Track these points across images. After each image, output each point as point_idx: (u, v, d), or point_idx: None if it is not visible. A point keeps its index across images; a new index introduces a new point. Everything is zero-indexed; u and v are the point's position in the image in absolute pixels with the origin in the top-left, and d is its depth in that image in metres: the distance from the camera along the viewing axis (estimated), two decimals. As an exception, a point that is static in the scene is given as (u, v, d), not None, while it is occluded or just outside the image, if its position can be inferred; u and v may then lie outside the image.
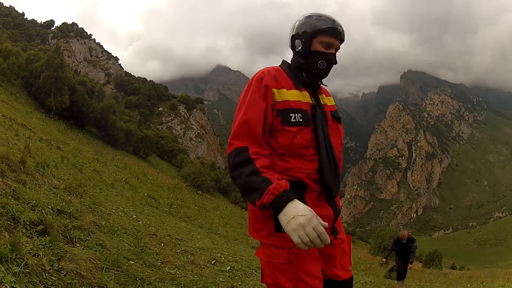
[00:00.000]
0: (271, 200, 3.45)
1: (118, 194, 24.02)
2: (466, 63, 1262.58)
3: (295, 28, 4.39)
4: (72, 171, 21.72)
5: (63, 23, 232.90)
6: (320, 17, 4.31)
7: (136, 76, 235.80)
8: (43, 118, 56.30)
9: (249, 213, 4.16)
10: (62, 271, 5.96)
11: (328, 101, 4.59)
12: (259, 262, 14.59)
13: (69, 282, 5.80)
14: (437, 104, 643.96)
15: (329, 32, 4.27)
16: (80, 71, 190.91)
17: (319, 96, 4.43)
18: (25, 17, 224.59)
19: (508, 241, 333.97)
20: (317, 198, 4.05)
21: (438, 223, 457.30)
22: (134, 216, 16.22)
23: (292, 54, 4.47)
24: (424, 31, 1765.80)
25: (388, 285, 18.18)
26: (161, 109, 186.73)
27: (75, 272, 6.09)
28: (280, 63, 4.57)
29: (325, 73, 4.36)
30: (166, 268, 9.42)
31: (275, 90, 4.03)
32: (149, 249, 10.83)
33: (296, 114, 3.99)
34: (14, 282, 4.89)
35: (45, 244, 6.47)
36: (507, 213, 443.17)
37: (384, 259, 29.28)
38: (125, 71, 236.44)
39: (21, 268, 5.18)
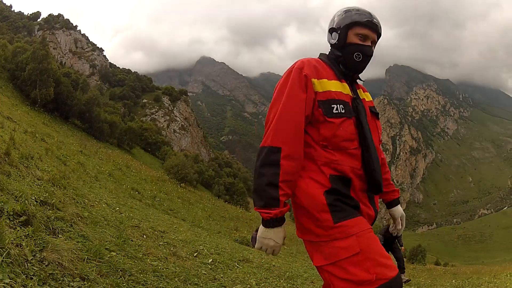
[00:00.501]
0: (267, 218, 3.70)
1: (101, 186, 24.01)
2: (453, 58, 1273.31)
3: (334, 21, 4.36)
4: (56, 163, 21.71)
5: (49, 15, 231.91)
6: (358, 11, 4.34)
7: (120, 68, 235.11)
8: (28, 111, 56.12)
9: (296, 213, 4.05)
10: (44, 261, 6.00)
11: (366, 97, 4.56)
12: (241, 255, 14.61)
13: (50, 272, 5.85)
14: (422, 99, 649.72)
15: (365, 24, 4.26)
16: (65, 63, 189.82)
17: (357, 90, 4.37)
18: (12, 9, 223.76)
19: (493, 238, 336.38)
20: (362, 196, 4.03)
21: (421, 218, 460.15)
22: (117, 208, 16.23)
23: (330, 47, 4.45)
24: (411, 25, 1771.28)
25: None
26: (145, 100, 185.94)
27: (57, 263, 6.13)
28: (318, 56, 4.49)
29: (362, 66, 4.28)
30: (148, 260, 9.44)
31: (315, 80, 3.97)
32: (132, 240, 10.85)
33: (338, 105, 3.95)
34: (-4, 271, 4.95)
35: (27, 234, 6.51)
36: (492, 210, 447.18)
37: None
38: (110, 62, 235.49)
39: (3, 258, 5.21)
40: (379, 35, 4.46)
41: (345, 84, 4.14)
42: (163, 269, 9.14)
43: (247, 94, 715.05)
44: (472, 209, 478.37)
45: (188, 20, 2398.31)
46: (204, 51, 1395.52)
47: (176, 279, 8.73)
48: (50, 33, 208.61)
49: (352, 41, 4.18)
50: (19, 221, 6.94)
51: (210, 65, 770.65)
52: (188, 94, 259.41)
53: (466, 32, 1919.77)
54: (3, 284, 4.80)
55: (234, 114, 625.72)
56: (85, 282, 6.28)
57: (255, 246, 3.88)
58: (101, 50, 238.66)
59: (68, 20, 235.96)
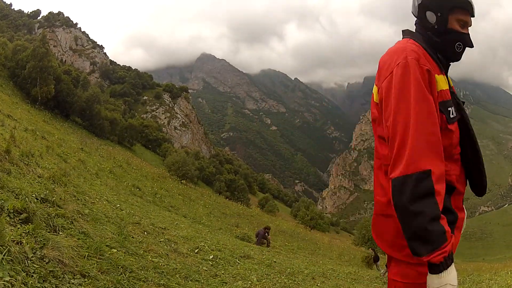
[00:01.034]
0: (441, 260, 3.00)
1: (102, 184, 24.06)
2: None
3: None
4: (57, 160, 21.74)
5: (49, 13, 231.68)
6: None
7: (121, 65, 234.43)
8: (28, 109, 56.17)
9: (387, 227, 3.48)
10: (44, 259, 5.99)
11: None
12: (242, 251, 14.57)
13: (51, 269, 5.84)
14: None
15: (467, 8, 3.72)
16: (65, 61, 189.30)
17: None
18: (12, 7, 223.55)
19: (494, 235, 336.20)
20: (459, 201, 3.59)
21: None
22: (118, 205, 16.25)
23: (416, 25, 3.98)
24: (412, 22, 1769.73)
25: (372, 275, 18.22)
26: (146, 98, 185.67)
27: (57, 260, 6.13)
28: (407, 35, 4.01)
29: (460, 57, 3.85)
30: (149, 257, 9.45)
31: (438, 76, 3.44)
32: (132, 237, 10.86)
33: (452, 108, 3.48)
34: (-4, 269, 4.95)
35: (28, 232, 6.51)
36: (492, 207, 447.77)
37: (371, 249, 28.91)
38: (110, 59, 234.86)
39: (3, 256, 5.21)
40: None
41: (444, 78, 3.63)
42: (164, 265, 9.16)
43: (247, 91, 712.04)
44: (472, 206, 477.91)
45: (188, 17, 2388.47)
46: (204, 48, 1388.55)
47: (177, 276, 8.74)
48: (50, 31, 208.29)
49: (454, 28, 3.73)
50: (19, 219, 6.93)
51: (210, 62, 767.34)
52: (189, 91, 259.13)
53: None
54: (4, 282, 4.80)
55: (234, 111, 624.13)
56: (86, 279, 6.28)
57: None
58: (102, 47, 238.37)
59: (68, 17, 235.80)
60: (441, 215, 3.01)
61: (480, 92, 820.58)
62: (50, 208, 8.73)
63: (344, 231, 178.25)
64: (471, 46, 3.82)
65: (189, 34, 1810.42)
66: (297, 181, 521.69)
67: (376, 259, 34.44)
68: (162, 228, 14.71)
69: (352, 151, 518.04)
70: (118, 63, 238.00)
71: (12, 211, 7.02)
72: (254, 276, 11.06)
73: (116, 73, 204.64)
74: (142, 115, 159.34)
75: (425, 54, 3.53)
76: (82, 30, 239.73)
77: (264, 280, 10.88)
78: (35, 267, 5.64)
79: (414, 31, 3.96)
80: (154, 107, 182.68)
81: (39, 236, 6.57)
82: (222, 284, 9.37)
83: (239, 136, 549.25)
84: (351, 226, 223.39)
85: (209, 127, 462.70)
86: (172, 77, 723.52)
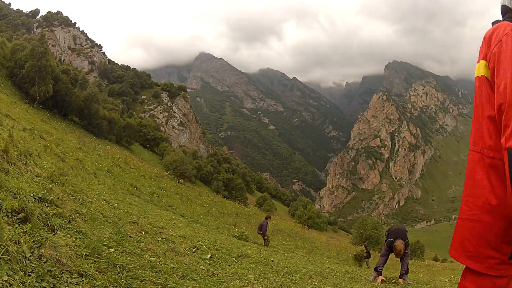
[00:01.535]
0: None
1: (100, 183, 24.07)
2: (453, 55, 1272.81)
3: None
4: (55, 160, 21.76)
5: (48, 12, 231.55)
6: None
7: (119, 64, 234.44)
8: (27, 108, 56.19)
9: (472, 234, 3.26)
10: (42, 258, 6.02)
11: None
12: (240, 250, 14.58)
13: (49, 269, 5.87)
14: (421, 95, 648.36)
15: None
16: (64, 60, 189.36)
17: None
18: (11, 7, 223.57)
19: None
20: None
21: (420, 214, 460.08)
22: (116, 205, 16.29)
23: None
24: (411, 21, 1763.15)
25: (370, 274, 18.19)
26: (144, 97, 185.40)
27: (55, 259, 6.15)
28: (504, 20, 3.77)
29: None
30: (147, 256, 9.47)
31: None
32: (130, 237, 10.93)
33: None
34: (-6, 269, 4.98)
35: (26, 231, 6.53)
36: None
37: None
38: (108, 59, 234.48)
39: (1, 255, 5.23)
40: None
41: None
42: (161, 264, 9.18)
43: (246, 90, 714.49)
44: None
45: (188, 16, 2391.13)
46: (203, 47, 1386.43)
47: (174, 275, 8.75)
48: (49, 30, 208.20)
49: None
50: (17, 218, 6.96)
51: (209, 61, 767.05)
52: (187, 90, 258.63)
53: (466, 28, 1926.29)
54: (2, 282, 4.82)
55: (233, 110, 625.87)
56: (84, 279, 6.30)
57: None
58: (100, 46, 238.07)
59: (67, 17, 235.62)
60: None
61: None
62: (48, 208, 8.75)
63: (342, 230, 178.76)
64: None
65: (188, 33, 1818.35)
66: (295, 180, 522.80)
67: (367, 256, 34.45)
68: (160, 227, 14.74)
69: (350, 150, 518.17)
70: (116, 63, 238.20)
71: (10, 210, 7.05)
72: (252, 275, 11.07)
73: (115, 73, 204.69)
74: (140, 115, 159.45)
75: None
76: (80, 30, 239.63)
77: (261, 279, 10.90)
78: (33, 266, 5.67)
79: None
80: (152, 106, 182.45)
81: (37, 235, 6.60)
82: (220, 283, 9.38)
83: (237, 135, 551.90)
84: (349, 225, 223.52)
85: (207, 126, 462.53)
86: (171, 76, 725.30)
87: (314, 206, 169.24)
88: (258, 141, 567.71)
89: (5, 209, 7.05)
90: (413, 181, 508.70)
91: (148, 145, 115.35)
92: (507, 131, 2.88)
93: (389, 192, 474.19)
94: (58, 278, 5.86)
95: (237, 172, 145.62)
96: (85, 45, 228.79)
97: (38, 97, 66.81)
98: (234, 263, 12.72)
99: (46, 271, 5.81)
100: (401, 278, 16.71)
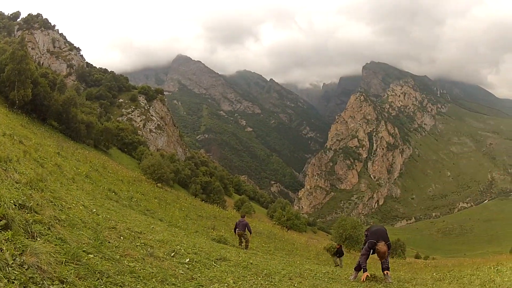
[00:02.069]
0: None
1: (78, 188, 24.05)
2: (431, 55, 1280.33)
3: None
4: (34, 165, 21.75)
5: (29, 14, 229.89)
6: None
7: (97, 67, 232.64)
8: (6, 113, 55.87)
9: None
10: (24, 265, 6.10)
11: None
12: (218, 254, 14.70)
13: (30, 276, 5.95)
14: (399, 95, 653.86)
15: None
16: (42, 63, 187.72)
17: None
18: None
19: (474, 231, 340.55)
20: None
21: (400, 213, 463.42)
22: (94, 210, 16.31)
23: None
24: (390, 22, 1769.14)
25: (350, 274, 18.26)
26: (122, 100, 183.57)
27: (36, 266, 6.23)
28: None
29: None
30: (125, 261, 9.58)
31: None
32: (109, 242, 10.98)
33: None
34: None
35: (7, 238, 6.61)
36: (472, 203, 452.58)
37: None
38: (86, 62, 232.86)
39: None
40: None
41: None
42: (140, 270, 9.27)
43: (223, 92, 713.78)
44: (451, 203, 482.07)
45: (165, 18, 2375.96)
46: (180, 50, 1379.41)
47: (153, 280, 8.84)
48: (29, 33, 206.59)
49: None
50: (-2, 225, 7.01)
51: (186, 64, 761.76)
52: (164, 93, 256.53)
53: (445, 28, 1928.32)
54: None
55: (210, 113, 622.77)
56: (64, 285, 6.38)
57: None
58: (78, 49, 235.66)
59: (46, 19, 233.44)
60: None
61: (458, 90, 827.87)
62: (28, 214, 8.82)
63: (322, 231, 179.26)
64: None
65: (166, 36, 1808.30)
66: (273, 182, 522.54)
67: (340, 253, 34.72)
68: (138, 232, 14.82)
69: (327, 151, 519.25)
70: (94, 66, 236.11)
71: (-9, 218, 7.11)
72: (231, 278, 11.12)
73: (92, 76, 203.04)
74: (117, 118, 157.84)
75: None
76: (60, 32, 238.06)
77: (240, 282, 10.97)
78: (15, 273, 5.75)
79: None
80: (130, 109, 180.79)
81: (18, 242, 6.67)
82: (199, 287, 9.45)
83: (214, 138, 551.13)
84: (328, 226, 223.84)
85: (184, 129, 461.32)
86: (148, 79, 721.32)
87: (292, 208, 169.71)
88: (235, 143, 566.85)
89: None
90: (392, 180, 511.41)
91: (126, 149, 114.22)
92: None
93: (368, 192, 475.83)
94: (40, 285, 5.95)
95: (215, 175, 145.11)
96: (63, 48, 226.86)
97: (17, 101, 66.40)
98: (213, 266, 12.80)
99: (28, 278, 5.89)
100: (384, 276, 16.88)
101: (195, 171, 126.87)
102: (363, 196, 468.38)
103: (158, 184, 63.47)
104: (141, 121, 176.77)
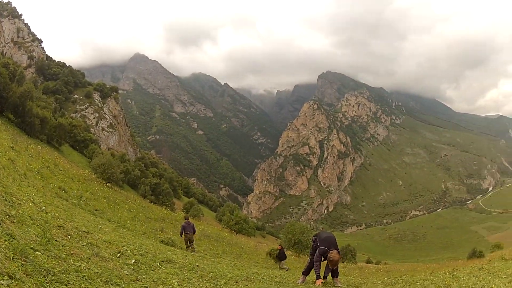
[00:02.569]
0: None
1: (29, 185, 24.00)
2: (390, 68, 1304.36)
3: None
4: (-13, 160, 21.70)
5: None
6: None
7: (56, 61, 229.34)
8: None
9: None
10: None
11: None
12: (165, 256, 14.87)
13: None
14: (353, 105, 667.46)
15: None
16: (5, 53, 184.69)
17: None
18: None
19: (427, 237, 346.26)
20: None
21: (350, 219, 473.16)
22: (44, 208, 16.33)
23: None
24: (349, 34, 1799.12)
25: (298, 278, 18.44)
26: (77, 96, 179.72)
27: (-14, 261, 6.37)
28: None
29: None
30: (71, 260, 9.66)
31: None
32: (56, 240, 11.04)
33: None
34: None
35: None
36: (425, 211, 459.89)
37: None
38: (46, 54, 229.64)
39: None
40: None
41: None
42: (85, 269, 9.35)
43: (176, 94, 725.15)
44: (402, 210, 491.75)
45: (127, 15, 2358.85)
46: (138, 48, 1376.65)
47: (98, 280, 8.94)
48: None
49: None
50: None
51: (143, 63, 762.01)
52: (119, 91, 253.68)
53: (407, 43, 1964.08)
54: None
55: (162, 114, 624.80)
56: (13, 281, 6.55)
57: None
58: (40, 41, 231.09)
59: (15, 7, 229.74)
60: None
61: (414, 103, 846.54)
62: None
63: (271, 235, 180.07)
64: None
65: (126, 33, 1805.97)
66: (222, 185, 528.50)
67: (282, 257, 34.82)
68: (86, 232, 14.81)
69: (278, 157, 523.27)
70: (54, 59, 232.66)
71: None
72: (175, 281, 11.24)
73: (51, 69, 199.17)
74: (71, 114, 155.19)
75: None
76: (25, 22, 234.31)
77: (185, 285, 11.08)
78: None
79: None
80: (84, 106, 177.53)
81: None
82: None
83: (165, 139, 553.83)
84: (277, 231, 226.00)
85: (136, 129, 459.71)
86: (104, 76, 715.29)
87: (241, 212, 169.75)
88: (186, 145, 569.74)
89: None
90: (342, 188, 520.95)
91: (78, 147, 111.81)
92: None
93: (317, 198, 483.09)
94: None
95: (164, 177, 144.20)
96: (27, 38, 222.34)
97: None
98: (159, 268, 12.85)
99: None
100: (333, 281, 17.17)
101: (145, 172, 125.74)
102: (313, 202, 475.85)
103: (107, 184, 63.02)
104: (94, 118, 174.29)
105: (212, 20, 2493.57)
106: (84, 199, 35.03)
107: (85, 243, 12.61)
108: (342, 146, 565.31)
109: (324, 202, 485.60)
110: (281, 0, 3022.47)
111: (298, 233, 68.46)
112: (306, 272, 18.41)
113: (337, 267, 17.66)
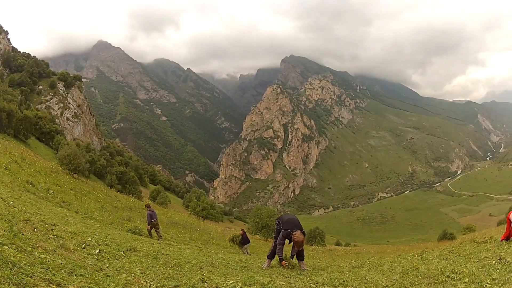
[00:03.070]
0: None
1: (-2, 180, 24.20)
2: (354, 52, 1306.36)
3: None
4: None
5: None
6: None
7: (21, 52, 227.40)
8: None
9: None
10: None
11: None
12: (129, 245, 15.20)
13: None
14: (317, 89, 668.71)
15: None
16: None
17: None
18: None
19: (396, 219, 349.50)
20: None
21: (317, 202, 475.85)
22: (11, 202, 16.71)
23: None
24: (314, 19, 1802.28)
25: (263, 262, 18.78)
26: (41, 87, 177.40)
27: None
28: None
29: None
30: (37, 253, 10.04)
31: None
32: (22, 234, 11.44)
33: None
34: None
35: None
36: (392, 193, 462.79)
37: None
38: (12, 46, 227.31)
39: None
40: None
41: None
42: (50, 261, 9.70)
43: (140, 81, 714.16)
44: (369, 193, 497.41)
45: (89, 2, 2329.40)
46: (101, 35, 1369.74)
47: (62, 271, 9.29)
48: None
49: None
50: None
51: (106, 50, 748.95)
52: (83, 80, 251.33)
53: (372, 28, 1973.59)
54: None
55: (126, 101, 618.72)
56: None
57: None
58: (7, 33, 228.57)
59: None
60: None
61: (379, 87, 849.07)
62: None
63: (238, 220, 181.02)
64: None
65: (89, 20, 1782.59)
66: (188, 171, 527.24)
67: (245, 241, 35.19)
68: (52, 225, 15.12)
69: (242, 141, 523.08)
70: (19, 50, 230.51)
71: None
72: (138, 269, 11.51)
73: (16, 61, 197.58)
74: (37, 106, 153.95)
75: None
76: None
77: (148, 272, 11.29)
78: None
79: None
80: (49, 97, 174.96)
81: None
82: (106, 278, 9.74)
83: (130, 127, 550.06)
84: (245, 215, 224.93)
85: (100, 118, 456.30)
86: (68, 65, 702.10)
87: (208, 197, 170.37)
88: (150, 132, 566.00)
89: None
90: (308, 171, 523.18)
91: (44, 139, 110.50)
92: None
93: (283, 182, 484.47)
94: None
95: (130, 165, 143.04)
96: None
97: None
98: (123, 257, 13.16)
99: None
100: (298, 264, 17.55)
101: (111, 161, 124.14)
102: (279, 186, 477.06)
103: (74, 175, 62.64)
104: (58, 109, 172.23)
105: (174, 5, 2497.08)
106: (52, 191, 35.28)
107: (51, 236, 12.92)
108: (306, 129, 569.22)
109: (290, 185, 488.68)
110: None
111: (265, 217, 69.30)
112: (271, 256, 18.62)
113: (302, 249, 18.03)
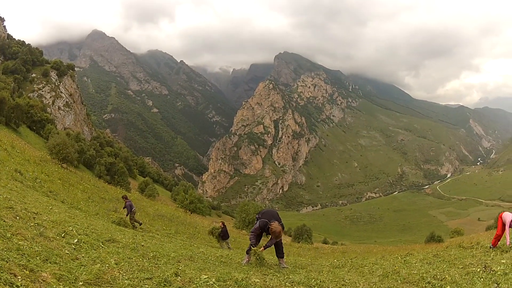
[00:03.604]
0: None
1: (-14, 169, 24.41)
2: (348, 52, 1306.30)
3: None
4: None
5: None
6: None
7: (16, 39, 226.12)
8: None
9: None
10: None
11: None
12: (110, 235, 15.50)
13: None
14: (310, 86, 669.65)
15: None
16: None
17: None
18: None
19: (384, 220, 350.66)
20: None
21: (305, 199, 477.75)
22: (-3, 191, 16.89)
23: None
24: (309, 16, 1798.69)
25: (243, 257, 18.70)
26: (34, 75, 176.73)
27: None
28: None
29: None
30: (15, 240, 10.41)
31: None
32: (4, 221, 11.87)
33: None
34: None
35: None
36: (381, 194, 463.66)
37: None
38: (8, 33, 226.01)
39: None
40: None
41: None
42: (27, 248, 10.06)
43: (132, 71, 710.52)
44: (358, 192, 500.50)
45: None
46: (96, 25, 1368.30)
47: (37, 258, 9.59)
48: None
49: None
50: None
51: (100, 40, 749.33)
52: (75, 69, 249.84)
53: (366, 29, 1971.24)
54: None
55: (118, 92, 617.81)
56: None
57: None
58: (3, 19, 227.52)
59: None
60: None
61: (371, 87, 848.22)
62: None
63: (226, 215, 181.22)
64: None
65: (84, 9, 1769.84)
66: (177, 164, 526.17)
67: (225, 236, 34.51)
68: (35, 213, 15.43)
69: (232, 136, 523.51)
70: (14, 38, 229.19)
71: None
72: (113, 260, 11.63)
73: (11, 48, 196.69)
74: (29, 94, 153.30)
75: None
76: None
77: (122, 263, 11.43)
78: None
79: None
80: (41, 85, 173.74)
81: None
82: (80, 267, 9.92)
83: (121, 117, 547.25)
84: (232, 210, 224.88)
85: (91, 107, 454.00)
86: (62, 53, 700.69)
87: (196, 191, 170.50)
88: (141, 124, 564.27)
89: None
90: (297, 168, 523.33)
91: (34, 127, 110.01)
92: None
93: (272, 178, 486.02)
94: None
95: (120, 156, 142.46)
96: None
97: None
98: (100, 247, 13.34)
99: None
100: (278, 262, 17.73)
101: (100, 151, 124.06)
102: (268, 182, 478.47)
103: (63, 165, 62.31)
104: (50, 97, 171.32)
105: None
106: (39, 180, 35.32)
107: (32, 224, 13.20)
108: (297, 126, 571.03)
109: (279, 181, 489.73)
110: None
111: (252, 213, 69.35)
112: (250, 251, 18.07)
113: (282, 247, 17.83)
